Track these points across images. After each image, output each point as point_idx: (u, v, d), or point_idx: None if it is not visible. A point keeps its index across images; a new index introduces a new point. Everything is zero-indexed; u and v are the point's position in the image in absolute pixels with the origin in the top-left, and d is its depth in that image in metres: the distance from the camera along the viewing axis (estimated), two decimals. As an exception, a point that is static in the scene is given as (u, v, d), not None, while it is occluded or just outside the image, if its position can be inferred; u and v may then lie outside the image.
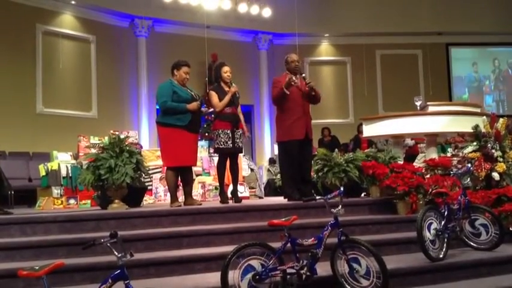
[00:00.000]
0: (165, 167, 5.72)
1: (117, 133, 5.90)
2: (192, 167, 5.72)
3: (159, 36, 12.47)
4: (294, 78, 5.51)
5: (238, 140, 5.67)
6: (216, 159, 6.92)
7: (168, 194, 5.72)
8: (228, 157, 5.77)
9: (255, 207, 5.10)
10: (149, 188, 7.01)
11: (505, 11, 13.81)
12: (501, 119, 5.68)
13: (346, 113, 14.04)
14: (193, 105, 5.38)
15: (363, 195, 6.02)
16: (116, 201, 5.16)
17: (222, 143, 5.59)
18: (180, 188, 5.87)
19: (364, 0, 13.51)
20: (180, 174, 5.51)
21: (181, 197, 5.84)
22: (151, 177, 7.09)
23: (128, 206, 5.22)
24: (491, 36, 14.35)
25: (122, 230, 4.08)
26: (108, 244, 2.93)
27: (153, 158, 7.27)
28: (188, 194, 5.51)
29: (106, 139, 5.51)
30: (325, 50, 14.28)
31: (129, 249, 2.98)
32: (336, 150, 6.62)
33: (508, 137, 5.56)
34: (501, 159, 5.32)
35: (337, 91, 14.10)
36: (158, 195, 7.25)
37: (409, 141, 9.08)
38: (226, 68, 5.80)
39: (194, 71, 11.72)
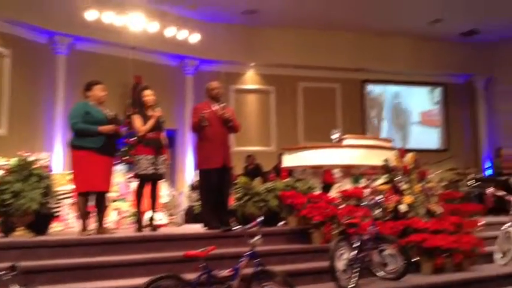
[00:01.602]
0: (77, 192, 5.45)
1: (26, 155, 5.54)
2: (106, 193, 5.50)
3: (80, 54, 12.00)
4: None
5: (160, 166, 5.58)
6: (133, 184, 6.73)
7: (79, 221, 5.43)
8: (147, 183, 5.64)
9: (173, 237, 5.01)
10: (58, 214, 6.60)
11: (416, 53, 14.99)
12: (409, 154, 6.08)
13: (269, 142, 14.30)
14: (105, 128, 5.20)
15: (281, 224, 6.12)
16: (20, 228, 4.81)
17: (143, 168, 5.47)
18: (94, 214, 5.60)
19: (289, 34, 14.01)
20: (94, 200, 5.27)
21: (95, 224, 5.57)
22: (61, 202, 6.69)
23: (34, 234, 4.88)
24: (403, 76, 15.48)
25: (25, 260, 3.80)
26: (8, 277, 2.71)
27: (64, 181, 6.88)
28: (100, 221, 5.28)
29: (13, 161, 5.16)
30: (250, 79, 14.55)
31: (34, 282, 2.78)
32: (257, 178, 6.70)
33: (415, 171, 5.94)
34: (408, 192, 5.66)
35: (261, 119, 14.36)
36: (67, 223, 6.85)
37: (337, 172, 9.36)
38: (147, 92, 5.72)
39: (117, 92, 11.49)
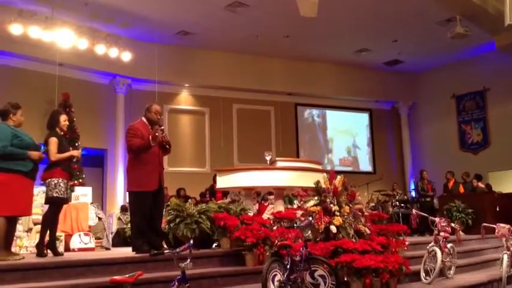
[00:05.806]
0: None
1: None
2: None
3: (2, 69, 11.34)
4: (160, 132, 5.53)
5: (69, 190, 5.57)
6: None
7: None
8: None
9: (98, 261, 4.75)
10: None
11: (343, 80, 15.67)
12: (339, 176, 6.24)
13: (203, 162, 14.19)
14: (35, 154, 5.08)
15: (214, 246, 6.03)
16: None
17: (61, 192, 5.30)
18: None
19: (222, 57, 14.13)
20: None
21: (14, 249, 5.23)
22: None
23: None
24: (333, 100, 16.09)
25: None
26: None
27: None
28: (10, 246, 4.99)
29: None
30: (184, 99, 14.44)
31: None
32: (189, 200, 6.60)
33: (344, 193, 6.10)
34: (338, 213, 5.79)
35: (195, 140, 14.24)
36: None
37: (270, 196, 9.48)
38: (63, 117, 5.56)
39: (42, 109, 10.90)
